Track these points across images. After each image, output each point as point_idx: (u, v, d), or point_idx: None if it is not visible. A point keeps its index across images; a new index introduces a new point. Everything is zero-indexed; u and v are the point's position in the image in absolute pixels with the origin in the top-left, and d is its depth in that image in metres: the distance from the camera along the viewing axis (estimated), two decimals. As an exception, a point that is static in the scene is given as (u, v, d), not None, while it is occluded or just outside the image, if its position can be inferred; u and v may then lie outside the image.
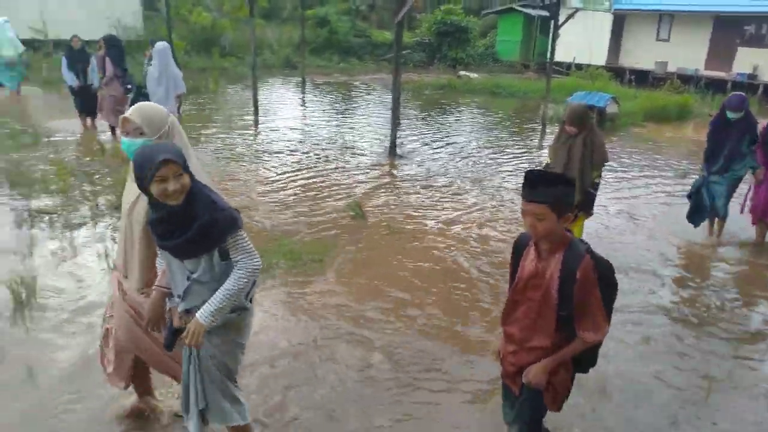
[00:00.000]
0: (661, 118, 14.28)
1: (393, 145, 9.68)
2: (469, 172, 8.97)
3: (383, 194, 7.69)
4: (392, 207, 7.15)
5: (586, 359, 2.52)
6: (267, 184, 7.86)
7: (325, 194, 7.53)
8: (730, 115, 5.77)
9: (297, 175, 8.32)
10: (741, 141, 5.85)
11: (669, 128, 13.68)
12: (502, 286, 4.89)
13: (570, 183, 2.31)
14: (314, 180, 8.15)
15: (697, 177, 6.32)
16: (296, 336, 4.18)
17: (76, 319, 4.23)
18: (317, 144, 10.41)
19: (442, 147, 10.71)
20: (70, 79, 9.92)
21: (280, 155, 9.45)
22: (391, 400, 3.53)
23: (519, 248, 2.51)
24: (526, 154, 10.40)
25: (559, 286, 2.29)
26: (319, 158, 9.39)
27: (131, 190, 2.60)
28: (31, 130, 9.84)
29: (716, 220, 6.36)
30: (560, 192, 2.22)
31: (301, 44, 19.81)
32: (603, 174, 5.08)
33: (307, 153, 9.69)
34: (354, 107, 15.27)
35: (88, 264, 5.15)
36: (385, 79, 20.95)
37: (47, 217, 6.08)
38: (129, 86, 9.33)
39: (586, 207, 4.86)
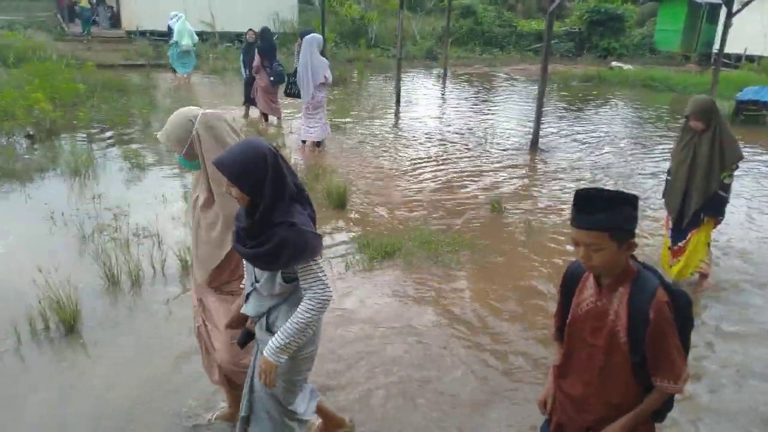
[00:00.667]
0: None
1: (535, 138, 9.40)
2: (616, 169, 8.46)
3: (523, 188, 7.51)
4: (531, 202, 6.96)
5: (664, 407, 2.06)
6: (404, 171, 8.02)
7: (462, 185, 7.52)
8: None
9: (434, 165, 8.39)
10: None
11: None
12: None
13: (632, 202, 1.83)
14: (452, 170, 8.16)
15: None
16: (415, 327, 4.25)
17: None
18: (456, 134, 10.40)
19: (587, 142, 10.21)
20: (243, 69, 10.86)
21: (418, 144, 9.58)
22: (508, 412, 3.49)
23: (571, 279, 2.09)
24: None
25: (629, 328, 1.89)
26: (458, 149, 9.38)
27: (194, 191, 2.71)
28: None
29: None
30: (621, 215, 1.81)
31: (444, 35, 19.82)
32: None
33: (445, 143, 9.72)
34: (495, 98, 15.02)
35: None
36: (529, 70, 20.35)
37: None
38: (272, 78, 9.90)
39: (714, 210, 4.40)
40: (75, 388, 3.44)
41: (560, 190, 7.48)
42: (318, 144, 8.95)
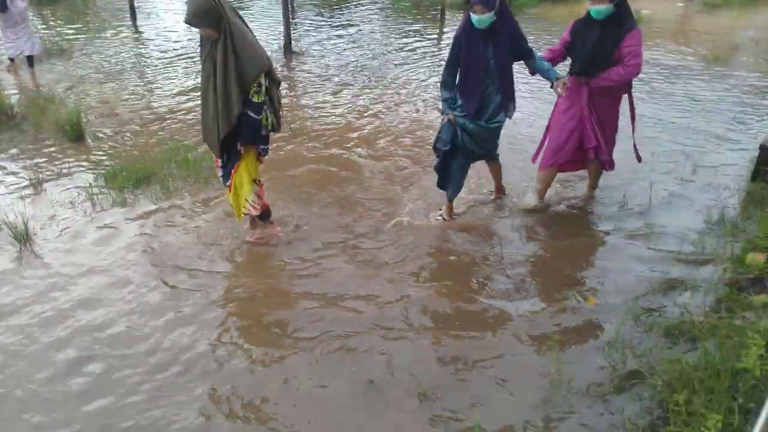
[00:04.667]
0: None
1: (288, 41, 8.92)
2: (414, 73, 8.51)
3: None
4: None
5: None
6: (142, 88, 7.23)
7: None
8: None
9: (176, 78, 7.66)
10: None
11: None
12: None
13: None
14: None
15: None
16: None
17: None
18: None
19: (345, 45, 10.04)
20: None
21: (167, 57, 8.61)
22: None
23: None
24: None
25: None
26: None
27: None
28: None
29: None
30: None
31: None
32: None
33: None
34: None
35: None
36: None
37: None
38: None
39: (246, 137, 3.42)
40: None
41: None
42: (31, 63, 7.86)
